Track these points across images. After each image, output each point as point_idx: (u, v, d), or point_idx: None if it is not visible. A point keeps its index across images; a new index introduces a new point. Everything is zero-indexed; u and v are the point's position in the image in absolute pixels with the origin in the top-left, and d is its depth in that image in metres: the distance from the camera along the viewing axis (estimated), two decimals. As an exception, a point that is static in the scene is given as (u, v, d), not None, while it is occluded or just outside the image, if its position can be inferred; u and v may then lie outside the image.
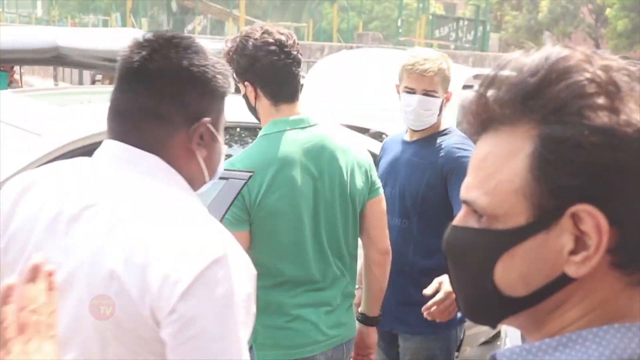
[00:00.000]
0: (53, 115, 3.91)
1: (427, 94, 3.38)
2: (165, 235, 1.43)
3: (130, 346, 1.45)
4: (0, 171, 2.98)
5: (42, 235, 1.51)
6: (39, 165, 3.09)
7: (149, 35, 1.58)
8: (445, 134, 3.51)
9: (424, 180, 3.36)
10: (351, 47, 22.73)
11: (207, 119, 1.60)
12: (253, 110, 3.05)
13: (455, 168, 3.24)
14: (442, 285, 3.01)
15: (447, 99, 3.47)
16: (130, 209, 1.47)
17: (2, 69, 7.06)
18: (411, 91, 3.41)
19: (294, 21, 36.63)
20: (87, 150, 3.38)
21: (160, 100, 1.55)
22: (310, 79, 6.52)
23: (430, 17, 33.06)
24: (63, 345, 1.35)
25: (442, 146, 3.43)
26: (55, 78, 12.11)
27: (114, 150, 1.57)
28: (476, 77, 7.58)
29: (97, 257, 1.44)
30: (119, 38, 6.61)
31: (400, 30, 30.80)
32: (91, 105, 4.49)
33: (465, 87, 6.87)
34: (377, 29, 38.65)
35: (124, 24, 30.58)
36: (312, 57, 22.41)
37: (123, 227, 1.44)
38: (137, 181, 1.53)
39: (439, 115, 3.47)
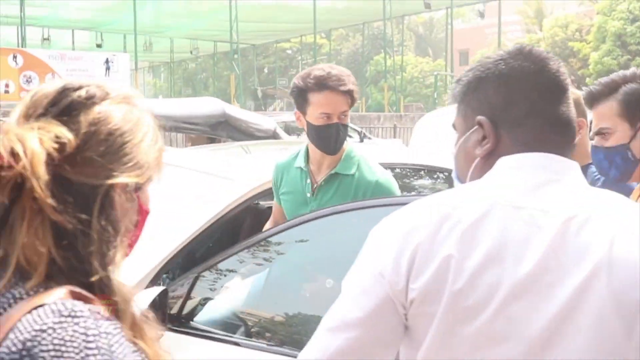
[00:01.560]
0: (239, 163, 3.85)
1: None
2: None
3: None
4: (209, 211, 2.84)
5: (518, 264, 1.13)
6: (238, 205, 2.92)
7: (537, 53, 1.30)
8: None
9: None
10: (400, 116, 23.76)
11: None
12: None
13: None
14: None
15: (580, 127, 2.75)
16: (619, 215, 1.16)
17: None
18: None
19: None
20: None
21: (573, 108, 1.31)
22: (418, 133, 5.94)
23: (456, 89, 34.16)
24: None
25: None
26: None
27: (555, 164, 1.24)
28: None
29: (615, 265, 1.10)
30: (262, 118, 7.02)
31: (436, 101, 32.01)
32: (266, 154, 4.48)
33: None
34: (412, 101, 40.09)
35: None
36: (370, 124, 23.29)
37: (627, 232, 1.12)
38: (588, 187, 1.25)
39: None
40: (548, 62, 1.29)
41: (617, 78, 2.01)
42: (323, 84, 2.61)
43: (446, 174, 3.64)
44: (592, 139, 2.11)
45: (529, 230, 1.15)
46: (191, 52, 38.88)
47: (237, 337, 2.30)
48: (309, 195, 2.76)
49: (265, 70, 50.56)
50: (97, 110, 1.02)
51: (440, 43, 55.73)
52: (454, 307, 1.14)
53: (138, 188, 1.07)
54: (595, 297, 1.10)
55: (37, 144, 0.94)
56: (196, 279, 2.42)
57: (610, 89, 1.98)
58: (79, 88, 1.03)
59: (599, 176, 2.80)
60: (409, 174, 3.79)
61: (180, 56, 43.61)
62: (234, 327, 2.40)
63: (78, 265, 0.97)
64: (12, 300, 0.92)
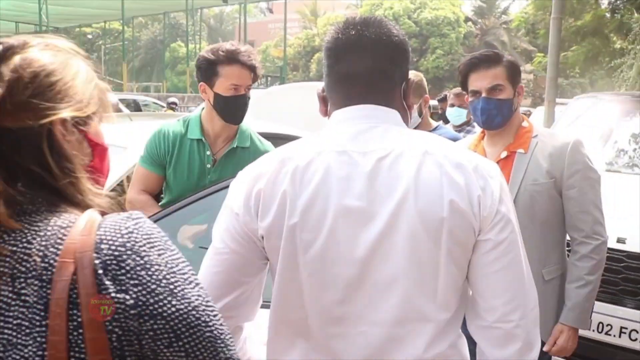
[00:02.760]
0: (130, 131, 3.46)
1: None
2: (466, 161, 1.22)
3: (459, 262, 1.22)
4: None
5: (341, 198, 1.20)
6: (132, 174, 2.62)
7: (350, 18, 1.31)
8: (435, 129, 3.37)
9: None
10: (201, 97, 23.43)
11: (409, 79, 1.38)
12: None
13: None
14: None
15: (425, 102, 3.29)
16: (424, 150, 1.22)
17: None
18: None
19: (153, 82, 36.82)
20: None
21: (383, 61, 1.28)
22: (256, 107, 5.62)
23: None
24: (393, 281, 1.20)
25: None
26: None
27: (364, 111, 1.28)
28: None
29: (419, 190, 1.18)
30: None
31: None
32: (157, 121, 3.98)
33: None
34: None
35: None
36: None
37: (430, 162, 1.20)
38: (400, 131, 1.27)
39: (420, 115, 3.27)
40: (367, 28, 1.28)
41: (497, 52, 2.38)
42: (234, 57, 2.50)
43: (285, 140, 3.41)
44: (475, 96, 2.31)
45: (349, 169, 1.21)
46: (-10, 32, 35.05)
47: None
48: (209, 166, 2.64)
49: (67, 53, 47.11)
50: (18, 59, 0.93)
51: (229, 34, 55.83)
52: (292, 239, 1.21)
53: (81, 123, 0.99)
54: (406, 218, 1.19)
55: None
56: None
57: (498, 58, 2.32)
58: None
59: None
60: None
61: (-21, 35, 39.07)
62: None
63: (72, 195, 0.96)
64: (63, 230, 0.91)
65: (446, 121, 5.64)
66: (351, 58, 1.28)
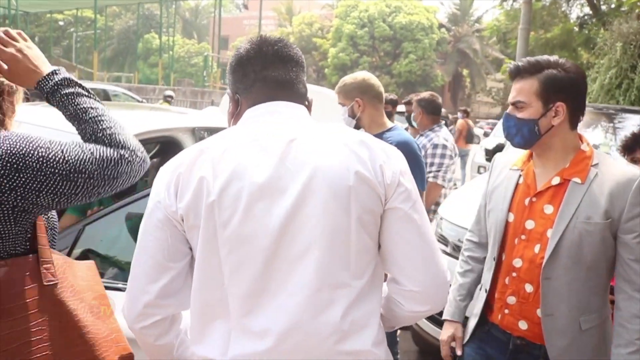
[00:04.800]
0: None
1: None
2: (367, 142, 1.38)
3: (369, 229, 1.35)
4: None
5: (255, 177, 1.31)
6: None
7: (265, 38, 1.50)
8: (390, 129, 3.14)
9: None
10: (173, 89, 23.14)
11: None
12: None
13: None
14: None
15: (358, 104, 3.08)
16: (330, 132, 1.39)
17: None
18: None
19: (125, 72, 36.20)
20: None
21: (300, 71, 1.49)
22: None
23: (222, 69, 33.96)
24: (308, 250, 1.29)
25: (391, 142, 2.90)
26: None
27: (282, 107, 1.43)
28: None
29: (328, 164, 1.32)
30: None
31: (205, 78, 31.74)
32: (129, 111, 4.09)
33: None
34: (178, 77, 39.64)
35: None
36: (147, 95, 22.99)
37: (337, 141, 1.36)
38: (307, 120, 1.44)
39: (352, 117, 3.10)
40: (272, 44, 1.47)
41: (542, 61, 1.97)
42: None
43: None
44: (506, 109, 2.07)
45: (262, 152, 1.33)
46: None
47: (121, 283, 2.14)
48: None
49: (36, 39, 46.10)
50: None
51: (203, 28, 55.36)
52: (212, 217, 1.29)
53: (12, 94, 1.62)
54: (317, 189, 1.29)
55: None
56: (81, 231, 2.23)
57: (535, 69, 1.96)
58: None
59: (391, 141, 2.88)
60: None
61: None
62: (116, 274, 2.28)
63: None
64: None
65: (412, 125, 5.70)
66: (277, 67, 1.46)
